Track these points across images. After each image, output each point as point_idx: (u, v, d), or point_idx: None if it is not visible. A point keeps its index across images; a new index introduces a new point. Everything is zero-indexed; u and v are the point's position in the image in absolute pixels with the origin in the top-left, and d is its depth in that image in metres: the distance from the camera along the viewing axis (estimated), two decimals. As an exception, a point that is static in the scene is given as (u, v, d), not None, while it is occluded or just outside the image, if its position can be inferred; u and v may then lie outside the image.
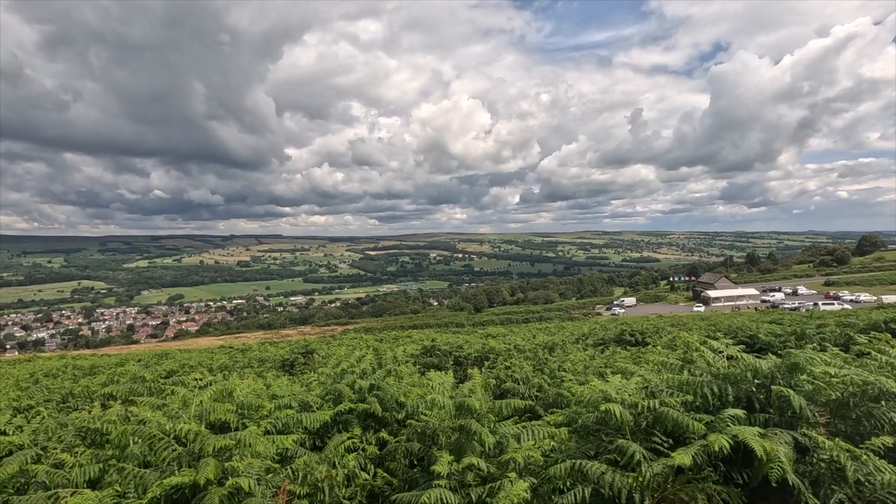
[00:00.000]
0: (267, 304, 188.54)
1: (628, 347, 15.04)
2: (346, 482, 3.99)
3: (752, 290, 79.10)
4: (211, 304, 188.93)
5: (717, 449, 2.69)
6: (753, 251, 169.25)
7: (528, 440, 3.63)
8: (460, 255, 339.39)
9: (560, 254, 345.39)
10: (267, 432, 4.30)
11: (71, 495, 3.17)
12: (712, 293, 78.82)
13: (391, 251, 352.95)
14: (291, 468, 4.02)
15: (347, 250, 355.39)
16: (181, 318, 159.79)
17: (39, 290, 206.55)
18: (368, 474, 4.27)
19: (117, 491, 3.12)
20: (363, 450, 4.78)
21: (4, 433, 4.60)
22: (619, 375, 3.89)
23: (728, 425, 2.91)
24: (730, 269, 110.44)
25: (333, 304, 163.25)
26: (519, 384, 8.40)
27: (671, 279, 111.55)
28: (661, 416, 3.15)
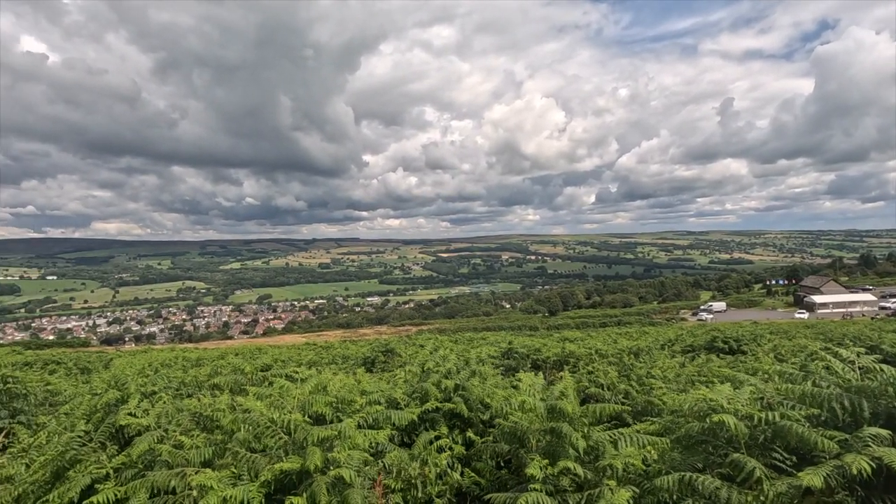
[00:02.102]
0: (346, 304, 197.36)
1: (721, 355, 13.95)
2: (437, 480, 4.05)
3: (867, 296, 70.31)
4: (295, 303, 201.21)
5: (855, 471, 2.39)
6: (868, 251, 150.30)
7: (627, 447, 3.46)
8: (533, 257, 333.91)
9: (639, 255, 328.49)
10: (359, 426, 4.46)
11: (195, 473, 3.49)
12: (818, 298, 71.05)
13: (463, 253, 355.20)
14: (384, 463, 4.15)
15: (420, 252, 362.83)
16: (269, 317, 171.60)
17: (151, 290, 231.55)
18: (456, 473, 4.30)
19: (233, 472, 3.39)
20: (450, 449, 4.82)
21: (135, 415, 5.16)
22: (727, 384, 3.60)
23: (868, 445, 2.58)
24: (839, 272, 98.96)
25: (407, 305, 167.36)
26: (603, 390, 8.09)
27: (767, 282, 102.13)
28: (781, 430, 2.87)
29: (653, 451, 3.67)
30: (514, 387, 7.17)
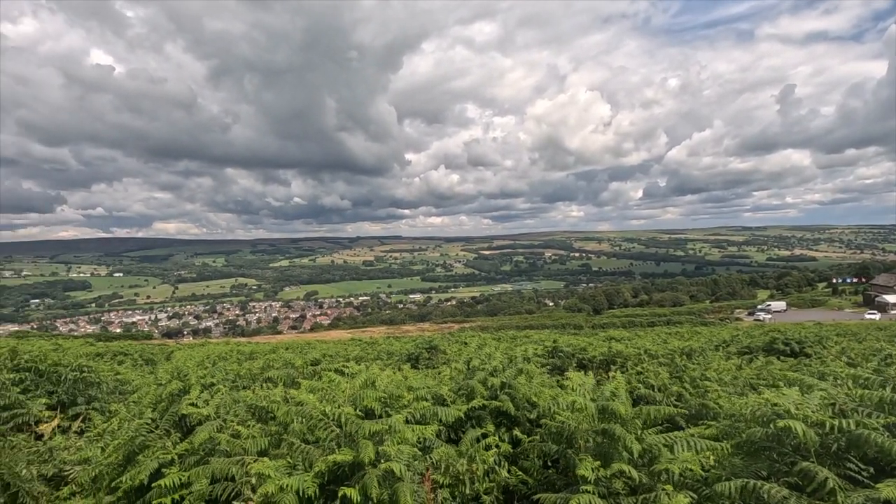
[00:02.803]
0: (389, 301, 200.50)
1: (783, 358, 13.18)
2: (484, 477, 4.04)
3: (951, 297, 64.52)
4: (340, 299, 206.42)
5: (944, 485, 2.20)
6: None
7: (683, 451, 3.33)
8: (577, 255, 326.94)
9: (690, 252, 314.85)
10: (407, 421, 4.52)
11: (254, 462, 3.66)
12: (891, 298, 65.78)
13: (505, 250, 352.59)
14: (432, 458, 4.19)
15: (462, 250, 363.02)
16: (316, 312, 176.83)
17: (207, 286, 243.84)
18: (504, 471, 4.29)
19: (289, 462, 3.53)
20: (497, 446, 4.81)
21: (196, 405, 5.44)
22: (794, 388, 3.39)
23: (959, 457, 2.36)
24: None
25: (449, 303, 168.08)
26: (654, 391, 7.82)
27: (833, 281, 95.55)
28: (858, 439, 2.67)
29: (711, 457, 3.51)
30: (561, 386, 7.06)
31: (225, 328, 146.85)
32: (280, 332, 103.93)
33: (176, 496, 4.39)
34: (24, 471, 5.66)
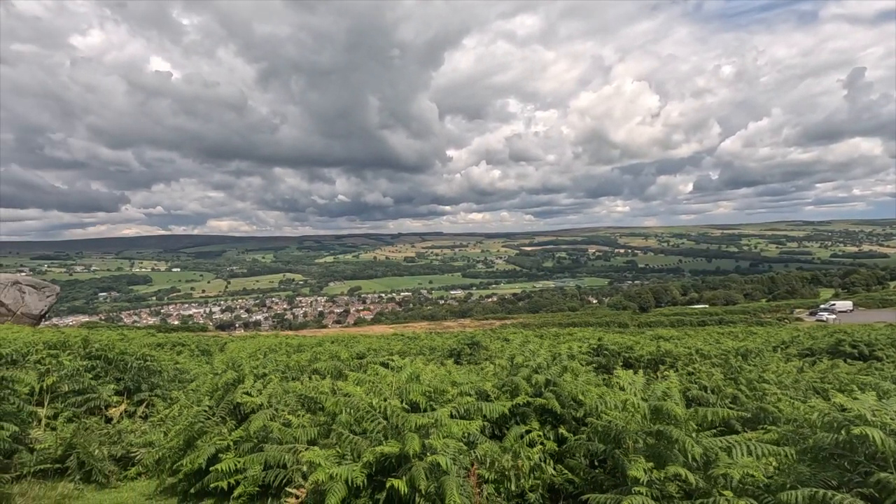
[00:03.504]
0: (430, 297, 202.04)
1: (850, 361, 12.32)
2: (530, 474, 4.00)
3: None
4: (383, 295, 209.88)
5: None
6: None
7: (742, 456, 3.16)
8: (622, 251, 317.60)
9: (745, 248, 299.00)
10: (451, 416, 4.53)
11: (305, 450, 3.78)
12: (975, 298, 60.15)
13: (547, 247, 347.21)
14: (476, 453, 4.19)
15: (503, 246, 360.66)
16: (359, 307, 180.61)
17: (257, 281, 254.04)
18: (550, 468, 4.23)
19: (338, 452, 3.62)
20: (542, 444, 4.75)
21: (249, 394, 5.68)
22: (871, 393, 3.14)
23: None
24: None
25: (490, 299, 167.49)
26: (707, 393, 7.51)
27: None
28: (944, 449, 2.45)
29: (773, 462, 3.33)
30: (608, 384, 6.88)
31: (273, 321, 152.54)
32: (325, 327, 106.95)
33: (231, 480, 4.60)
34: (97, 451, 6.09)
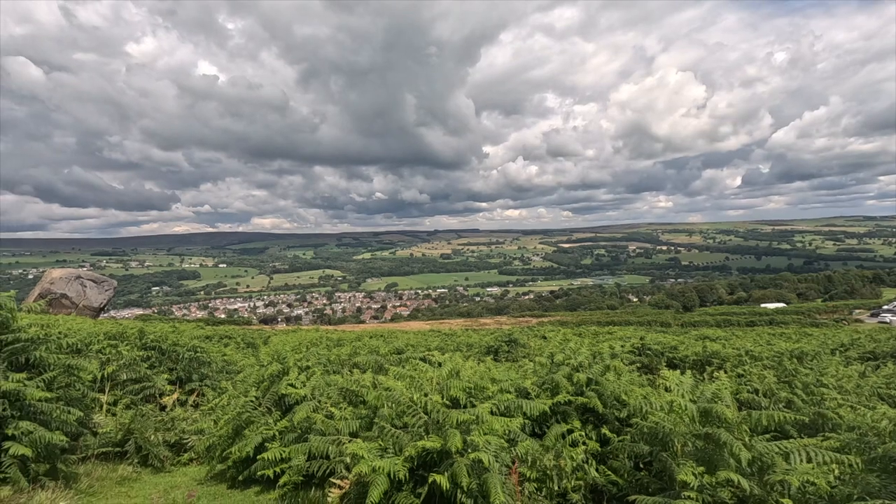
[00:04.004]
0: (466, 293, 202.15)
1: (918, 366, 11.46)
2: (572, 473, 3.94)
3: None
4: (419, 291, 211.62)
5: None
6: None
7: (801, 462, 2.99)
8: (664, 248, 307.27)
9: (798, 245, 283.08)
10: (491, 413, 4.52)
11: (349, 442, 3.85)
12: None
13: (586, 243, 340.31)
14: (517, 451, 4.15)
15: (540, 243, 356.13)
16: (396, 304, 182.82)
17: (298, 277, 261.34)
18: (593, 469, 4.14)
19: (380, 445, 3.67)
20: (584, 444, 4.66)
21: (294, 386, 5.84)
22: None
23: None
24: None
25: (527, 297, 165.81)
26: (758, 396, 7.16)
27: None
28: None
29: (835, 471, 3.13)
30: (653, 385, 6.67)
31: (313, 316, 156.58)
32: (363, 322, 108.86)
33: (277, 469, 4.75)
34: (153, 436, 6.42)
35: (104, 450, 6.01)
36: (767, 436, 4.01)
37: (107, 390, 7.51)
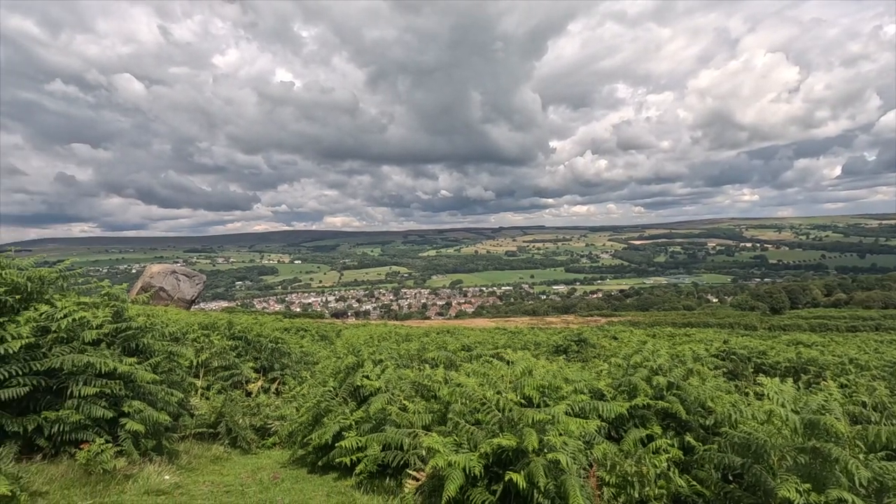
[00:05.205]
0: (531, 291, 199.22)
1: None
2: (655, 481, 3.74)
3: None
4: (484, 289, 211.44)
5: None
6: None
7: (931, 488, 2.64)
8: (749, 245, 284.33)
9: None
10: (566, 413, 4.40)
11: (425, 435, 3.92)
12: None
13: (659, 240, 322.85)
14: (594, 454, 4.02)
15: (609, 240, 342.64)
16: (460, 301, 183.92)
17: (366, 273, 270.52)
18: (678, 478, 3.91)
19: (455, 440, 3.69)
20: (665, 451, 4.42)
21: (369, 378, 6.04)
22: None
23: None
24: None
25: (595, 295, 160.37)
26: (867, 409, 6.43)
27: None
28: None
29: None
30: (740, 392, 6.21)
31: (381, 311, 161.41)
32: (428, 318, 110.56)
33: (353, 457, 4.93)
34: (241, 420, 6.90)
35: (199, 430, 6.55)
36: (882, 454, 3.58)
37: (201, 376, 8.18)
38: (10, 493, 3.18)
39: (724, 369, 9.72)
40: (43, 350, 4.59)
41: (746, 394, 5.54)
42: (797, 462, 3.23)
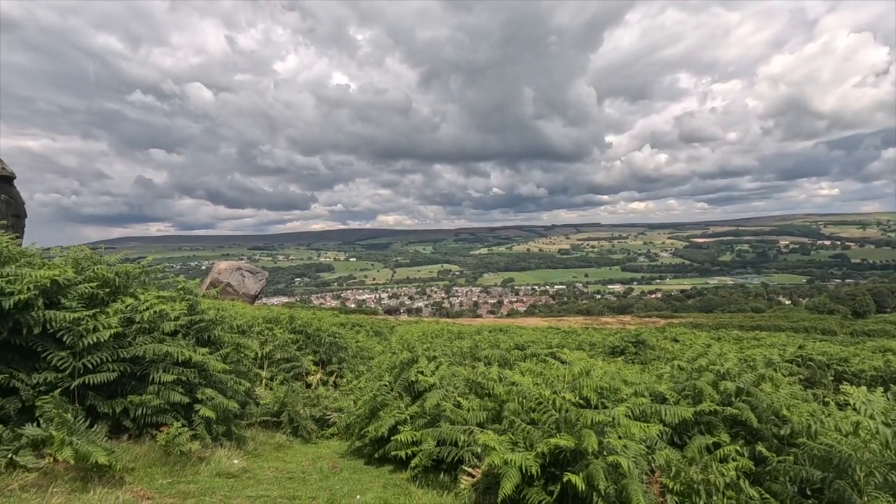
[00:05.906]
0: (585, 290, 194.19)
1: None
2: (723, 492, 3.55)
3: None
4: (536, 287, 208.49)
5: None
6: None
7: None
8: (827, 243, 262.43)
9: None
10: (626, 416, 4.26)
11: (480, 432, 3.92)
12: None
13: (724, 238, 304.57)
14: (656, 460, 3.87)
15: (669, 238, 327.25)
16: (512, 299, 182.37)
17: (418, 271, 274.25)
18: (751, 490, 3.69)
19: (510, 438, 3.67)
20: (734, 459, 4.18)
21: (423, 374, 6.12)
22: None
23: None
24: None
25: (653, 295, 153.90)
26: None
27: None
28: None
29: None
30: (819, 401, 5.76)
31: (432, 308, 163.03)
32: (479, 316, 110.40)
33: (408, 451, 5.02)
34: (302, 410, 7.19)
35: (264, 418, 6.90)
36: None
37: (265, 367, 8.61)
38: (108, 463, 3.54)
39: (800, 376, 9.04)
40: (128, 339, 5.01)
41: (826, 403, 5.14)
42: (888, 479, 2.96)
